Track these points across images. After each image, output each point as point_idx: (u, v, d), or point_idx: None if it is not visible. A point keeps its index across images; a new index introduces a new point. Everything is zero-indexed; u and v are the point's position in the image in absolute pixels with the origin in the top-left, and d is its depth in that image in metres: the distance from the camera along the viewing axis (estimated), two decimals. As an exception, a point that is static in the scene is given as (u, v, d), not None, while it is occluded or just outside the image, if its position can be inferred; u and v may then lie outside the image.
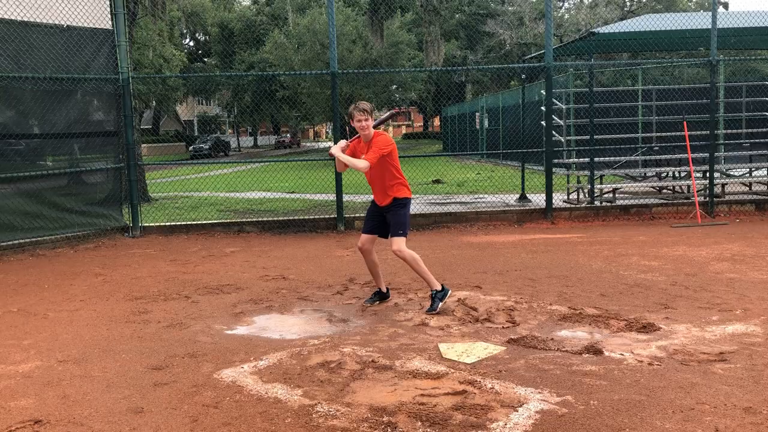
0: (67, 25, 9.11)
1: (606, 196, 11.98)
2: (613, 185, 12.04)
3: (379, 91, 37.08)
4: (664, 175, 12.63)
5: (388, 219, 5.72)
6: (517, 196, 13.77)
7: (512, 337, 4.82)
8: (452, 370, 4.17)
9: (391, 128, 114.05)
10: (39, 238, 8.99)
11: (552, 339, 4.76)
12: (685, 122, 10.17)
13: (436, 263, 7.54)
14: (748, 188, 12.47)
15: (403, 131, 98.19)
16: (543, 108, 11.46)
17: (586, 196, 12.09)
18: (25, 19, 8.66)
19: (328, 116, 46.56)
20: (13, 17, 8.56)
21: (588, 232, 9.63)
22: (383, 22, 29.05)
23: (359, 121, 5.58)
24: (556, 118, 12.18)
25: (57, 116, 9.15)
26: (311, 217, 10.68)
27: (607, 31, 11.71)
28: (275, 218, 10.68)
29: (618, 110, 13.43)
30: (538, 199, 12.04)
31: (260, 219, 10.58)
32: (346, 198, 11.26)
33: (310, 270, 7.48)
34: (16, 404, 3.86)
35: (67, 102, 9.27)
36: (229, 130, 77.81)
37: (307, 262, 8.00)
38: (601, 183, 11.96)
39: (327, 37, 30.91)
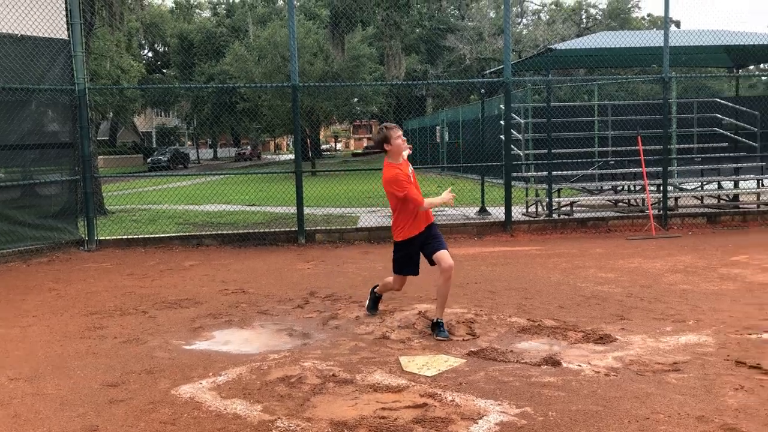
0: (21, 35, 8.92)
1: (564, 209, 12.19)
2: (571, 198, 12.25)
3: (340, 104, 37.11)
4: (619, 188, 12.91)
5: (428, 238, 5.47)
6: (478, 209, 13.90)
7: (472, 349, 4.86)
8: (413, 383, 4.18)
9: (352, 141, 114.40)
10: (-11, 252, 8.74)
11: (511, 351, 4.81)
12: (639, 137, 10.43)
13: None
14: (700, 202, 12.83)
15: (365, 144, 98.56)
16: (502, 122, 11.64)
17: (545, 209, 12.27)
18: (-23, 28, 8.45)
19: (289, 129, 46.40)
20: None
21: (546, 244, 9.78)
22: (344, 35, 29.14)
23: (399, 137, 5.32)
24: (514, 132, 12.37)
25: (10, 127, 8.93)
26: (272, 230, 10.61)
27: (564, 47, 11.96)
28: (235, 231, 10.58)
29: (575, 125, 13.69)
30: (497, 212, 12.19)
31: (220, 232, 10.47)
32: (307, 211, 11.24)
33: (271, 283, 7.42)
34: (-37, 425, 3.74)
35: (21, 113, 9.06)
36: (189, 142, 76.88)
37: (267, 275, 7.94)
38: (558, 196, 12.16)
39: (288, 49, 30.90)
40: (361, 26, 39.48)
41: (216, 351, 5.00)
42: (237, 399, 4.00)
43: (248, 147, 75.08)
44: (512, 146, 11.72)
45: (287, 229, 10.44)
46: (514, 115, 12.98)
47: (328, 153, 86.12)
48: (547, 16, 58.28)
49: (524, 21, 61.52)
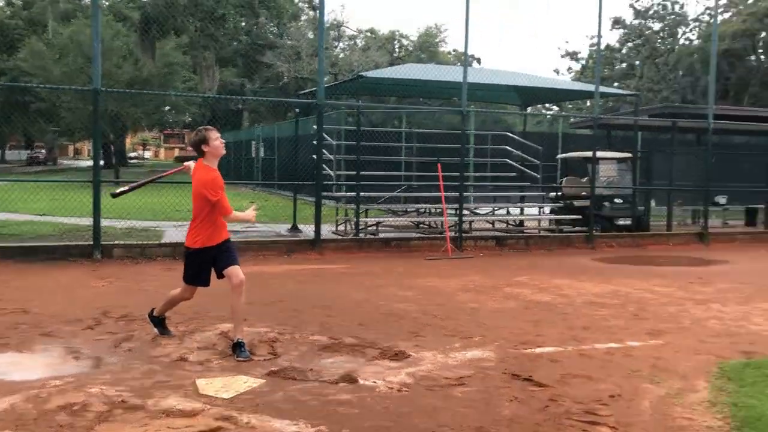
0: None
1: (370, 228, 12.65)
2: (377, 219, 12.74)
3: (149, 111, 35.36)
4: (422, 210, 13.65)
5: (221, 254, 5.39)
6: (289, 226, 13.95)
7: (273, 369, 4.86)
8: (208, 407, 4.09)
9: (162, 150, 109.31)
10: None
11: (311, 369, 4.87)
12: (439, 164, 11.14)
13: (204, 294, 7.34)
14: (491, 225, 13.97)
15: (176, 153, 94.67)
16: (315, 142, 11.85)
17: (353, 228, 12.64)
18: None
19: (90, 133, 43.28)
20: None
21: (352, 263, 10.06)
22: (155, 41, 27.85)
23: (218, 139, 5.26)
24: (327, 153, 12.63)
25: None
26: (63, 243, 9.82)
27: (373, 75, 12.49)
28: (19, 243, 9.65)
29: (384, 149, 14.30)
30: (308, 230, 12.26)
31: (2, 244, 9.49)
32: (106, 223, 10.56)
33: (58, 302, 6.86)
34: None
35: None
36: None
37: (55, 293, 7.33)
38: (366, 216, 12.58)
39: (92, 50, 28.94)
40: (174, 33, 38.04)
41: (-13, 378, 4.52)
42: (8, 431, 3.65)
43: (42, 151, 68.87)
44: (324, 166, 11.95)
45: (82, 243, 9.73)
46: (326, 136, 13.27)
47: (136, 161, 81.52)
48: (363, 43, 60.35)
49: (341, 45, 63.17)
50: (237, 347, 5.15)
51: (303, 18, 59.79)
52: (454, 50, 67.42)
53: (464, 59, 11.19)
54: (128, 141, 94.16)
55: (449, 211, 11.95)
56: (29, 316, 6.27)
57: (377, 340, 5.69)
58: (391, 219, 13.30)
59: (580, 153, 14.34)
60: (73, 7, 44.46)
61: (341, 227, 13.31)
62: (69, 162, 73.55)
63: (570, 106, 38.26)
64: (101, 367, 4.83)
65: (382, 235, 11.97)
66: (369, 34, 62.26)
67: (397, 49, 54.74)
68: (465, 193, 12.26)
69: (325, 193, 11.61)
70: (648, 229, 14.23)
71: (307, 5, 61.13)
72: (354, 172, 12.92)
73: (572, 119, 19.30)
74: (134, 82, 33.31)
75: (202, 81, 25.23)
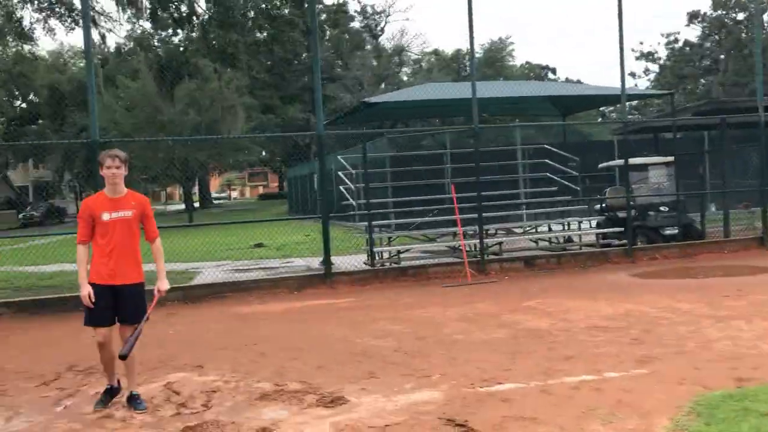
0: None
1: (404, 255, 12.22)
2: (402, 246, 12.34)
3: (213, 155, 36.48)
4: (448, 235, 13.10)
5: (126, 301, 4.92)
6: (323, 258, 13.76)
7: (191, 424, 4.59)
8: (96, 471, 3.86)
9: (248, 189, 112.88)
10: None
11: (233, 423, 4.58)
12: (453, 185, 10.68)
13: (181, 341, 7.26)
14: (535, 244, 13.21)
15: (260, 191, 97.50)
16: (340, 173, 11.80)
17: (379, 258, 12.30)
18: None
19: (172, 179, 45.05)
20: None
21: (361, 296, 9.71)
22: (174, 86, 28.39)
23: (110, 167, 4.82)
24: (348, 181, 12.45)
25: None
26: (74, 294, 9.97)
27: (378, 100, 12.21)
28: (33, 297, 9.88)
29: (416, 173, 13.96)
30: (341, 262, 11.95)
31: (15, 299, 9.74)
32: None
33: (34, 357, 6.87)
34: None
35: None
36: (71, 195, 73.28)
37: (38, 347, 7.38)
38: (389, 244, 12.23)
39: (160, 99, 30.00)
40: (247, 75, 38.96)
41: None
42: None
43: (133, 198, 72.18)
44: (347, 195, 11.77)
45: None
46: (346, 164, 13.10)
47: (219, 202, 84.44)
48: (426, 66, 60.34)
49: (406, 70, 63.45)
50: (132, 399, 4.96)
51: (367, 47, 60.60)
52: (527, 62, 66.35)
53: (470, 72, 10.71)
54: (215, 183, 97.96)
55: (471, 232, 11.41)
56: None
57: (324, 384, 5.32)
58: (418, 246, 12.83)
59: (616, 161, 13.45)
60: (142, 66, 46.79)
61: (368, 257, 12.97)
62: (161, 207, 77.05)
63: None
64: (23, 428, 4.70)
65: (406, 263, 11.53)
66: (433, 56, 62.32)
67: (466, 67, 54.38)
68: (501, 213, 11.70)
69: (349, 224, 11.36)
70: (703, 236, 13.12)
71: (368, 35, 61.98)
72: (381, 200, 12.70)
73: (613, 127, 18.23)
74: (199, 126, 34.48)
75: (233, 122, 25.60)
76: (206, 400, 5.10)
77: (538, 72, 64.46)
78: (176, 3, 14.16)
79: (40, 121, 57.04)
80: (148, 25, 15.52)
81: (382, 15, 60.95)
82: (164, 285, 5.08)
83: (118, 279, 4.90)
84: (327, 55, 57.38)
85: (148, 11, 14.34)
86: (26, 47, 29.63)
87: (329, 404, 4.85)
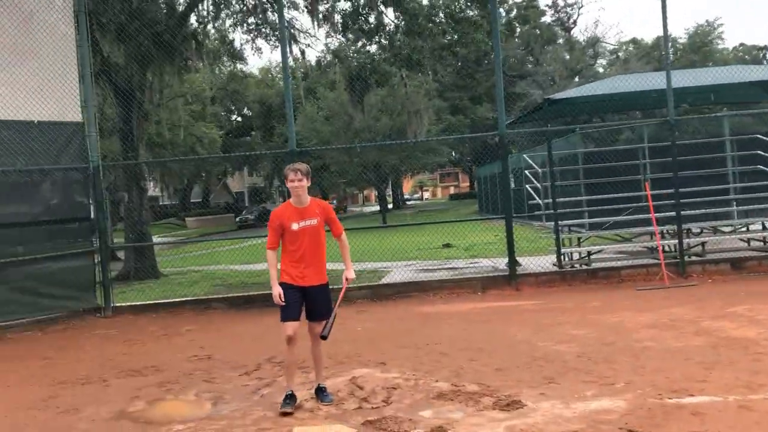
0: (38, 121, 9.75)
1: (595, 256, 11.72)
2: (590, 247, 11.80)
3: (404, 158, 37.51)
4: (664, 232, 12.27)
5: (314, 300, 5.30)
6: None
7: (371, 418, 4.80)
8: (284, 456, 4.18)
9: (439, 189, 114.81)
10: (9, 322, 9.41)
11: (410, 420, 4.71)
12: (647, 182, 10.01)
13: (363, 338, 7.58)
14: (746, 244, 11.97)
15: (451, 191, 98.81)
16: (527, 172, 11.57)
17: (569, 259, 11.89)
18: (-2, 119, 9.34)
19: (366, 182, 47.26)
20: (-16, 117, 9.25)
21: (548, 298, 9.46)
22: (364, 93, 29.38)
23: (292, 181, 5.21)
24: (534, 180, 12.20)
25: (28, 205, 9.71)
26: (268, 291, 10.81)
27: (562, 96, 11.78)
28: (243, 293, 10.87)
29: (610, 170, 13.27)
30: (528, 263, 11.75)
31: (226, 295, 10.81)
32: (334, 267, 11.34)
33: (240, 349, 7.57)
34: None
35: (39, 191, 9.84)
36: (280, 199, 79.65)
37: (242, 340, 8.10)
38: (578, 245, 11.77)
39: (352, 108, 31.47)
40: (430, 78, 39.83)
41: (130, 422, 5.18)
42: (108, 473, 4.13)
43: (334, 200, 76.66)
44: (533, 194, 11.54)
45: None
46: (533, 163, 12.84)
47: (412, 203, 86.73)
48: (624, 56, 57.05)
49: (601, 61, 60.50)
50: (319, 391, 5.31)
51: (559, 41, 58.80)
52: (740, 44, 60.31)
53: (664, 58, 9.96)
54: (407, 184, 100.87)
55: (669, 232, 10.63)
56: (209, 362, 7.03)
57: (502, 387, 5.29)
58: (611, 246, 12.20)
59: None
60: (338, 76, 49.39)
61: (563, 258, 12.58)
62: (358, 209, 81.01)
63: None
64: (225, 413, 5.22)
65: (595, 265, 11.01)
66: (631, 45, 58.87)
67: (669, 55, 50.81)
68: (707, 210, 10.80)
69: (537, 224, 11.11)
70: None
71: (560, 28, 60.11)
72: (568, 199, 12.25)
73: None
74: (391, 131, 35.73)
75: (418, 125, 25.94)
76: (386, 396, 5.30)
77: (755, 54, 58.27)
78: (365, 15, 14.82)
79: (253, 133, 62.66)
80: (342, 38, 16.37)
81: (575, 7, 58.75)
82: (351, 274, 5.43)
83: (307, 281, 5.29)
84: (517, 52, 56.44)
85: (340, 25, 15.16)
86: (238, 66, 32.67)
87: (505, 407, 4.81)
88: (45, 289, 9.79)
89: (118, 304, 10.54)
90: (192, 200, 65.97)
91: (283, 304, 5.23)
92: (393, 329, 8.07)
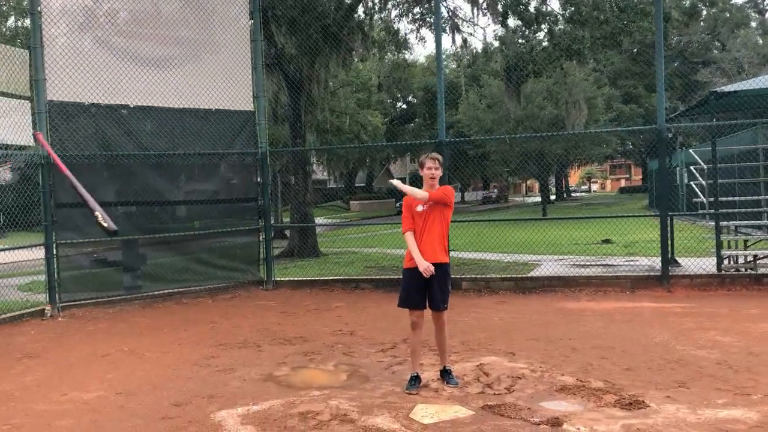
0: (216, 109, 10.84)
1: (762, 261, 10.90)
2: (759, 251, 10.93)
3: (570, 147, 36.44)
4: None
5: (433, 284, 5.52)
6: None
7: (491, 403, 4.99)
8: (404, 429, 4.51)
9: (609, 182, 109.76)
10: (184, 289, 10.64)
11: (529, 408, 4.85)
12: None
13: (498, 327, 7.73)
14: None
15: (622, 184, 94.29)
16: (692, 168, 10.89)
17: (734, 263, 11.16)
18: (181, 107, 10.51)
19: (530, 171, 46.49)
20: (171, 105, 10.46)
21: (699, 302, 9.00)
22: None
23: (429, 169, 5.55)
24: (699, 177, 11.57)
25: (204, 185, 10.86)
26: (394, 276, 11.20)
27: (731, 89, 10.96)
28: (390, 276, 11.37)
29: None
30: (688, 264, 11.16)
31: (374, 277, 11.38)
32: (492, 257, 11.56)
33: (380, 328, 8.03)
34: (59, 423, 4.96)
35: (214, 173, 10.96)
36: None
37: (385, 319, 8.54)
38: (745, 248, 10.98)
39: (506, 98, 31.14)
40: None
41: (275, 384, 5.77)
42: (251, 425, 4.70)
43: (495, 190, 76.01)
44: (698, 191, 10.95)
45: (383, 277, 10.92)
46: (698, 158, 12.14)
47: (578, 195, 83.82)
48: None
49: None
50: (445, 374, 5.56)
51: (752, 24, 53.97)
52: None
53: None
54: (575, 175, 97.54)
55: None
56: (351, 337, 7.56)
57: (627, 386, 5.24)
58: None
59: None
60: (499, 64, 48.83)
61: (725, 261, 11.81)
62: (520, 199, 79.91)
63: None
64: (357, 384, 5.66)
65: (761, 271, 10.25)
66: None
67: None
68: None
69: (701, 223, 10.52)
70: None
71: (753, 10, 55.08)
72: (731, 198, 11.46)
73: None
74: (556, 120, 34.85)
75: (567, 115, 24.93)
76: (510, 384, 5.46)
77: None
78: (525, 4, 14.68)
79: (416, 120, 63.84)
80: (502, 27, 16.28)
81: (771, -14, 53.46)
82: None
83: (428, 257, 5.50)
84: (701, 36, 52.60)
85: (500, 16, 15.13)
86: (403, 54, 33.43)
87: (626, 406, 4.79)
88: (217, 261, 10.93)
89: (278, 279, 11.49)
90: (357, 185, 68.63)
91: (433, 273, 5.45)
92: (529, 322, 8.13)
